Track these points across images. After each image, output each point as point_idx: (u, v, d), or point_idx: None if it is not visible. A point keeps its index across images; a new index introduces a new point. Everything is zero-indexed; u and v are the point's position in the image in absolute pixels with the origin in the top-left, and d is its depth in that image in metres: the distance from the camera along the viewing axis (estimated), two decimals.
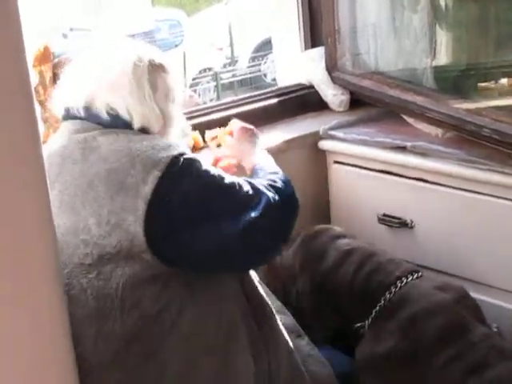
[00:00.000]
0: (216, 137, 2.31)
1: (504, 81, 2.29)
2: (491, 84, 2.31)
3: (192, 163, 1.60)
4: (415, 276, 1.89)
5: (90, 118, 1.64)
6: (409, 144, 2.19)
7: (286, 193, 1.68)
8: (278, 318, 1.74)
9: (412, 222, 2.20)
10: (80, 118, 1.65)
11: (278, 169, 1.81)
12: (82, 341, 1.48)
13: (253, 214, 1.59)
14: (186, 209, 1.56)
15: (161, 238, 1.54)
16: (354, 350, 1.88)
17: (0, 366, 1.20)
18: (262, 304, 1.71)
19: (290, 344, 1.73)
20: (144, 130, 1.65)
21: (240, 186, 1.63)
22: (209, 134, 2.32)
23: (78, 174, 1.59)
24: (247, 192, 1.62)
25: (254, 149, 1.93)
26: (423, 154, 2.16)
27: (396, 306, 1.85)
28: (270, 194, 1.63)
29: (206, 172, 1.61)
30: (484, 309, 1.90)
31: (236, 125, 2.02)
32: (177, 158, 1.57)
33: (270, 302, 1.75)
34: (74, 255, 1.53)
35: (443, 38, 2.50)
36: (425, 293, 1.84)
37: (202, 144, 2.31)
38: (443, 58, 2.51)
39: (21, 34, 1.16)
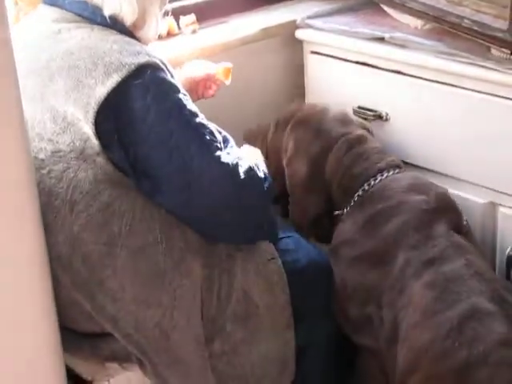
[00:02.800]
0: (192, 23, 2.25)
1: None
2: None
3: (162, 82, 1.52)
4: (396, 171, 1.90)
5: (68, 5, 1.58)
6: (387, 35, 2.15)
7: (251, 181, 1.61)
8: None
9: (387, 114, 2.18)
10: (59, 6, 1.60)
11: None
12: None
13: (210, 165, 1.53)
14: (142, 125, 1.50)
15: (112, 144, 1.50)
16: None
17: None
18: None
19: (249, 276, 1.69)
20: (116, 21, 1.58)
21: (211, 133, 1.56)
22: (184, 20, 2.27)
23: (42, 65, 1.55)
24: (216, 142, 1.56)
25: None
26: (401, 45, 2.12)
27: (368, 199, 1.86)
28: (240, 168, 1.58)
29: (179, 101, 1.53)
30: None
31: None
32: (144, 67, 1.50)
33: None
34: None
35: None
36: (396, 191, 1.85)
37: (176, 30, 2.25)
38: None
39: None
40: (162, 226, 1.57)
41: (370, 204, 1.86)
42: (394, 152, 2.13)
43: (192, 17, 2.27)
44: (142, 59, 1.51)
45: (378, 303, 1.76)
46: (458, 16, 2.00)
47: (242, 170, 1.60)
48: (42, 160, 1.51)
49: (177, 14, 2.25)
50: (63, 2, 1.59)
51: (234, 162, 1.58)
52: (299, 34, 2.34)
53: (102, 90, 1.47)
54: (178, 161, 1.52)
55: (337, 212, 1.92)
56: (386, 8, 2.32)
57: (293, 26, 2.35)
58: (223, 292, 1.65)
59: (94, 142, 1.49)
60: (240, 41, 2.28)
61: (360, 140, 1.97)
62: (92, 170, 1.51)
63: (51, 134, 1.52)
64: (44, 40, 1.58)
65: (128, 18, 1.60)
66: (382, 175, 1.88)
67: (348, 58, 2.24)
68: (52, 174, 1.51)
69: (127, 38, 1.58)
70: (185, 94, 1.57)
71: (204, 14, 2.33)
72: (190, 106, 1.56)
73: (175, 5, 2.31)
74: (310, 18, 2.33)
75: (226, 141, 1.63)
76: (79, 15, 1.59)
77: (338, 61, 2.27)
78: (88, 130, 1.48)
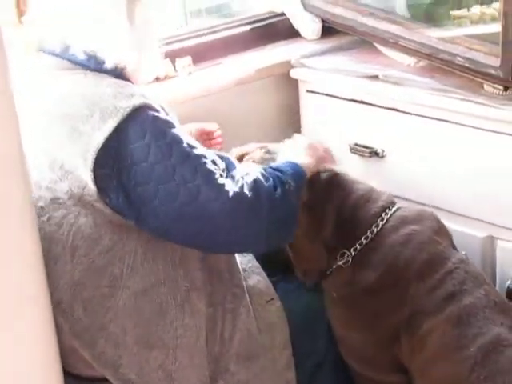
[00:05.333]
0: (188, 65, 2.28)
1: (476, 8, 2.27)
2: (464, 12, 2.29)
3: (157, 119, 1.51)
4: (396, 207, 1.85)
5: (64, 55, 1.59)
6: (381, 73, 2.18)
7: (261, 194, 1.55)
8: (244, 285, 1.69)
9: (383, 151, 2.20)
10: (56, 54, 1.60)
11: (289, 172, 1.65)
12: None
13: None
14: (143, 165, 1.49)
15: (110, 189, 1.49)
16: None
17: None
18: (231, 269, 1.68)
19: (251, 316, 1.68)
20: (117, 69, 1.59)
21: (213, 162, 1.55)
22: (180, 62, 2.30)
23: (36, 111, 1.55)
24: (219, 170, 1.54)
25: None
26: (395, 83, 2.15)
27: (381, 239, 1.79)
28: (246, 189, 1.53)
29: (176, 136, 1.52)
30: (454, 237, 1.93)
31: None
32: (139, 109, 1.49)
33: (241, 267, 1.71)
34: None
35: None
36: (407, 228, 1.80)
37: (173, 73, 2.28)
38: None
39: None
40: (166, 267, 1.57)
41: (385, 246, 1.78)
42: (392, 188, 2.15)
43: (188, 59, 2.30)
44: (137, 101, 1.50)
45: (398, 338, 1.75)
46: (450, 53, 2.03)
47: (247, 190, 1.54)
48: (42, 208, 1.52)
49: (173, 56, 2.27)
50: (59, 51, 1.59)
51: (239, 187, 1.53)
52: (294, 73, 2.37)
53: (99, 137, 1.47)
54: (185, 194, 1.50)
55: (341, 262, 1.79)
56: (379, 46, 2.35)
57: (287, 65, 2.38)
58: (227, 332, 1.64)
59: (92, 188, 1.48)
60: (235, 81, 2.31)
61: (352, 182, 1.87)
62: (92, 215, 1.51)
63: (49, 182, 1.52)
64: (40, 87, 1.59)
65: (130, 64, 1.60)
66: (387, 213, 1.82)
67: (343, 96, 2.26)
68: (52, 220, 1.51)
69: (121, 81, 1.58)
70: (180, 129, 1.56)
71: (200, 56, 2.36)
72: (187, 138, 1.55)
73: (171, 47, 2.33)
74: (304, 57, 2.37)
75: (229, 164, 1.62)
76: (73, 62, 1.59)
77: (333, 99, 2.29)
78: (86, 176, 1.48)
